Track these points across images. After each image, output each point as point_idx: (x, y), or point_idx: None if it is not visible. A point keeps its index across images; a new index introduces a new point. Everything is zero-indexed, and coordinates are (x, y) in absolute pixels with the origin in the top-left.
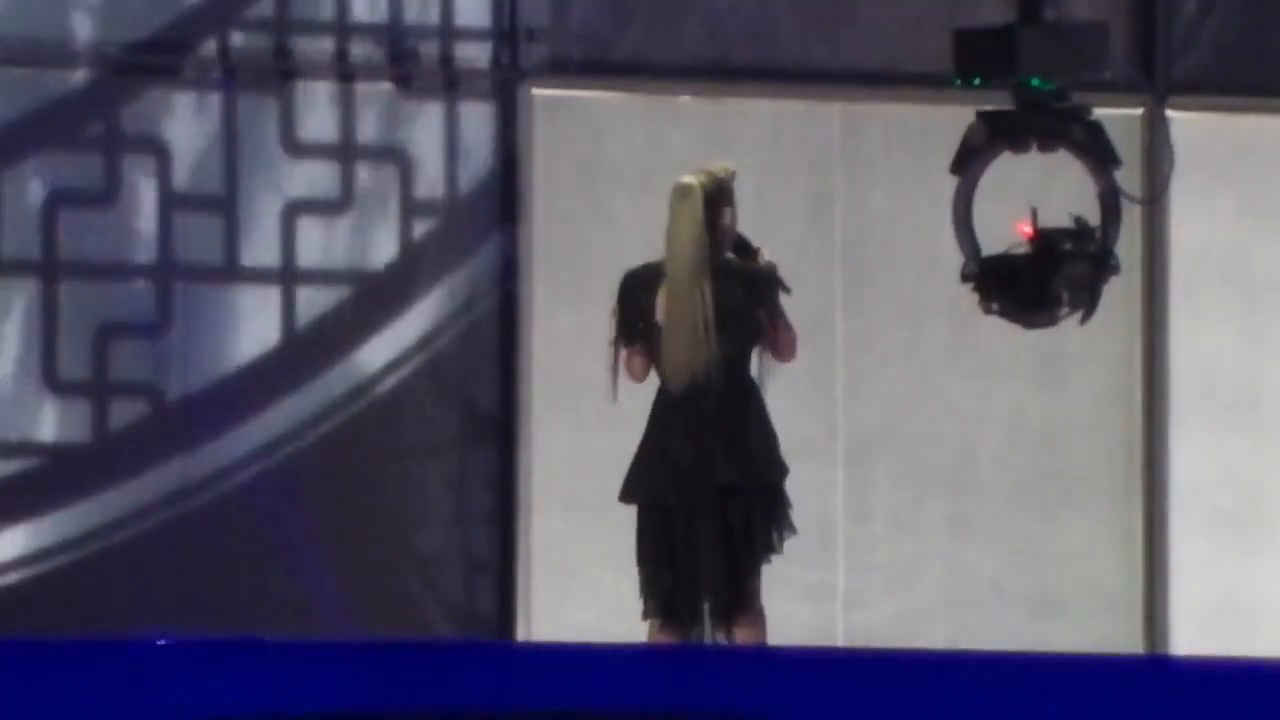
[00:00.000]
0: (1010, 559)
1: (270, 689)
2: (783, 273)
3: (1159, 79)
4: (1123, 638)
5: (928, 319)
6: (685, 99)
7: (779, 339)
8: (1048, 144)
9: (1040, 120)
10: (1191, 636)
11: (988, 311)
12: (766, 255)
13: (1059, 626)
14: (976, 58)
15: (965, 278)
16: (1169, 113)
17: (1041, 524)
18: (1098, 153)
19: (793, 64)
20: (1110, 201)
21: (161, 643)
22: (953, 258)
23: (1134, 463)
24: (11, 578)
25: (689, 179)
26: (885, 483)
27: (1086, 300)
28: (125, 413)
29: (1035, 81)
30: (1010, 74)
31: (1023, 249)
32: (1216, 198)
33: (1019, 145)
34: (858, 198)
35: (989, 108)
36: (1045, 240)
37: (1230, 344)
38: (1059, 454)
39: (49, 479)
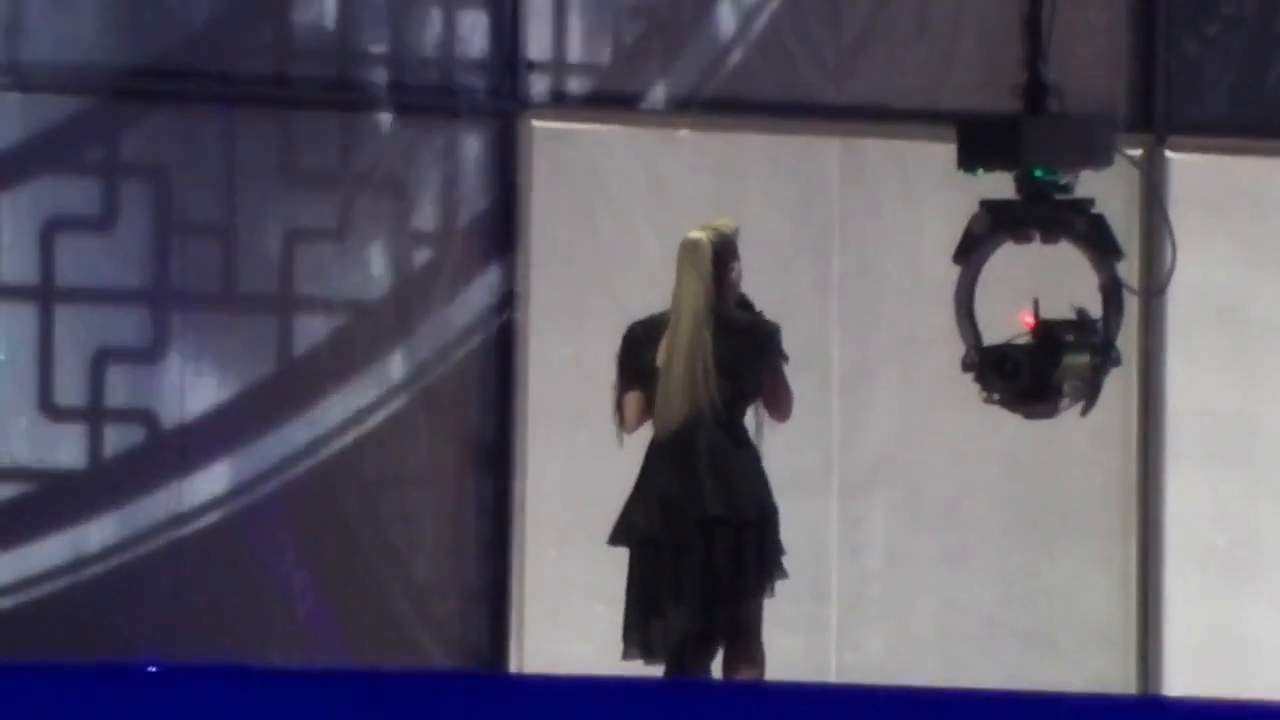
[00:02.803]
0: (1004, 595)
1: (263, 717)
2: (781, 312)
3: (1158, 120)
4: (1116, 675)
5: (924, 353)
6: (684, 132)
7: (777, 396)
8: (1050, 234)
9: (1043, 211)
10: (1185, 674)
11: (988, 401)
12: (768, 319)
13: (1053, 663)
14: (981, 147)
15: (966, 367)
16: (1168, 153)
17: (1036, 560)
18: (1100, 245)
19: (792, 98)
20: (1112, 293)
21: (155, 669)
22: (948, 293)
23: (1129, 500)
24: (6, 602)
25: (697, 234)
26: (880, 517)
27: (1087, 392)
28: (121, 438)
29: (1039, 172)
30: (1014, 165)
31: (1024, 339)
32: (1214, 238)
33: (1022, 235)
34: (855, 232)
35: (992, 197)
36: (1046, 331)
37: (1226, 383)
38: (1054, 490)
39: (44, 503)
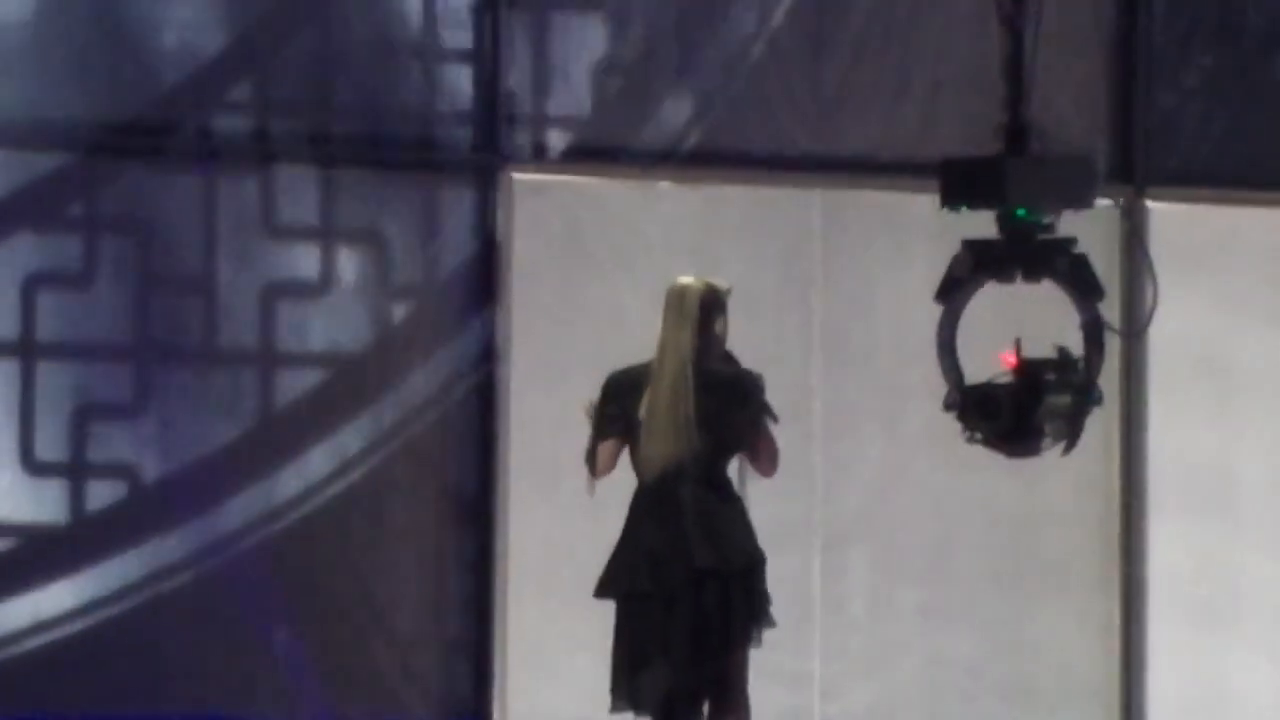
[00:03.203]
0: (987, 647)
1: None
2: (762, 364)
3: (1138, 170)
4: None
5: (906, 404)
6: (665, 184)
7: (760, 449)
8: (1032, 274)
9: (1025, 251)
10: None
11: (970, 441)
12: (751, 371)
13: (1035, 715)
14: (963, 187)
15: (948, 407)
16: (1148, 204)
17: (1018, 612)
18: (1082, 284)
19: (772, 150)
20: (1094, 333)
21: None
22: (930, 346)
23: (1111, 552)
24: None
25: (686, 280)
26: (862, 568)
27: (1068, 432)
28: (102, 494)
29: (1021, 212)
30: (996, 204)
31: (1006, 378)
32: (1194, 288)
33: (1004, 275)
34: (837, 283)
35: (975, 237)
36: (1028, 371)
37: (1207, 435)
38: (1036, 542)
39: (25, 559)
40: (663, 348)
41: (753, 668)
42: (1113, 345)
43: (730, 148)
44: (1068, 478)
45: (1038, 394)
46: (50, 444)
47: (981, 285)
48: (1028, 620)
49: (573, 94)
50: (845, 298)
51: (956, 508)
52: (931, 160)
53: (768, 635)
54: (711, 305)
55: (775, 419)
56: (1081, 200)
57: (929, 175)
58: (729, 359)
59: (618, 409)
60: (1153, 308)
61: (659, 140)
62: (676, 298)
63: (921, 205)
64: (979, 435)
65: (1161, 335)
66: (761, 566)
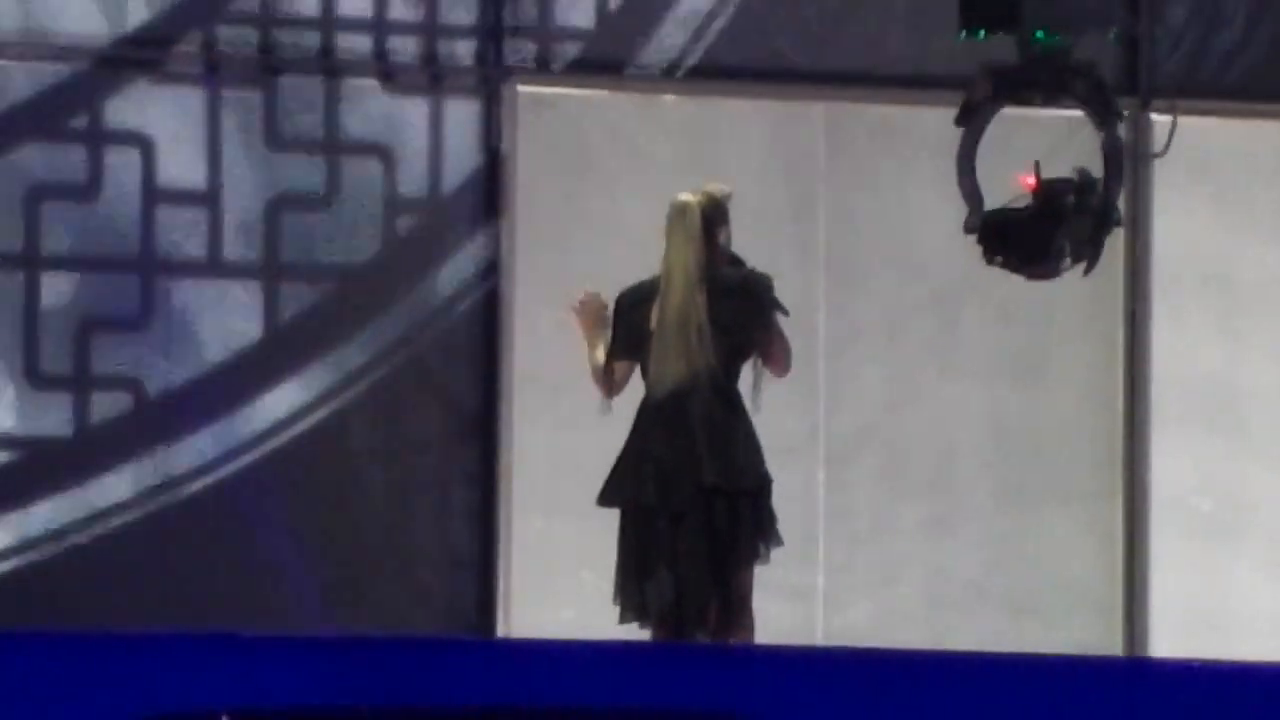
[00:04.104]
0: (990, 560)
1: (249, 684)
2: (765, 272)
3: (1143, 83)
4: (1102, 639)
5: (910, 320)
6: (669, 98)
7: (773, 349)
8: (1051, 98)
9: (1044, 74)
10: (1171, 639)
11: (990, 263)
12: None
13: (1038, 628)
14: (981, 11)
15: (968, 230)
16: (1153, 116)
17: (1022, 526)
18: (1100, 106)
19: (777, 65)
20: (1113, 154)
21: (140, 636)
22: (936, 260)
23: (1114, 465)
24: None
25: (686, 198)
26: (866, 483)
27: (1089, 253)
28: (106, 406)
29: (1040, 35)
30: (1016, 27)
31: (1025, 201)
32: (1200, 201)
33: (1022, 99)
34: (841, 199)
35: (992, 61)
36: (1047, 193)
37: (1211, 348)
38: (1039, 456)
39: (29, 472)
40: (669, 265)
41: (757, 582)
42: (1115, 260)
43: (734, 62)
44: (1072, 391)
45: (1057, 216)
46: (54, 356)
47: (1000, 109)
48: (1031, 534)
49: (577, 7)
50: (848, 212)
51: (960, 422)
52: (933, 75)
53: (774, 549)
54: (713, 217)
55: (785, 313)
56: (1100, 22)
57: (931, 89)
58: (736, 262)
59: (629, 328)
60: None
61: (663, 54)
62: (678, 215)
63: (924, 119)
64: (999, 258)
65: (1166, 248)
66: (769, 485)
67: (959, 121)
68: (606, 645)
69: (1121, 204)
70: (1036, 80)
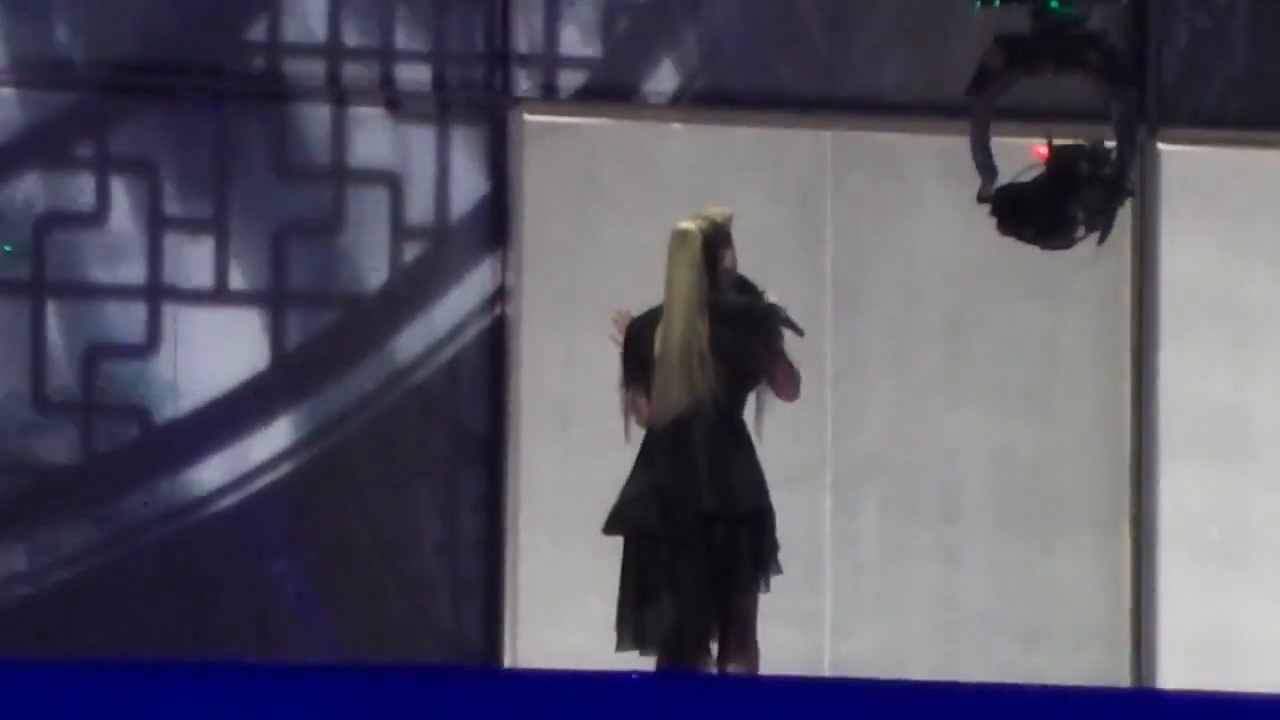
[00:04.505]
0: (997, 589)
1: (255, 713)
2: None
3: (1152, 111)
4: (1110, 668)
5: (917, 346)
6: (676, 125)
7: (779, 376)
8: (1064, 68)
9: (1057, 44)
10: (1179, 668)
11: (1004, 234)
12: (772, 297)
13: (1046, 657)
14: None
15: (982, 199)
16: (1160, 145)
17: (1029, 554)
18: (1114, 76)
19: (784, 91)
20: (1126, 123)
21: (146, 664)
22: (942, 286)
23: (1122, 493)
24: None
25: (687, 224)
26: (873, 511)
27: (1102, 223)
28: (113, 433)
29: (1054, 5)
30: None
31: (1037, 170)
32: (1207, 230)
33: (1035, 69)
34: (848, 224)
35: (1006, 32)
36: (1059, 161)
37: (1219, 375)
38: (1047, 484)
39: (36, 499)
40: (670, 293)
41: (764, 608)
42: (1123, 289)
43: (740, 89)
44: (1080, 418)
45: (1070, 186)
46: (62, 383)
47: (1014, 80)
48: (1039, 562)
49: (584, 34)
50: (856, 238)
51: (968, 449)
52: (941, 102)
53: (779, 576)
54: (715, 241)
55: (800, 332)
56: None
57: (939, 116)
58: (744, 284)
59: (638, 356)
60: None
61: (669, 81)
62: (679, 242)
63: (930, 146)
64: (1012, 230)
65: (1174, 276)
66: (770, 514)
67: (970, 92)
68: (613, 676)
69: (1128, 230)
70: (1050, 50)
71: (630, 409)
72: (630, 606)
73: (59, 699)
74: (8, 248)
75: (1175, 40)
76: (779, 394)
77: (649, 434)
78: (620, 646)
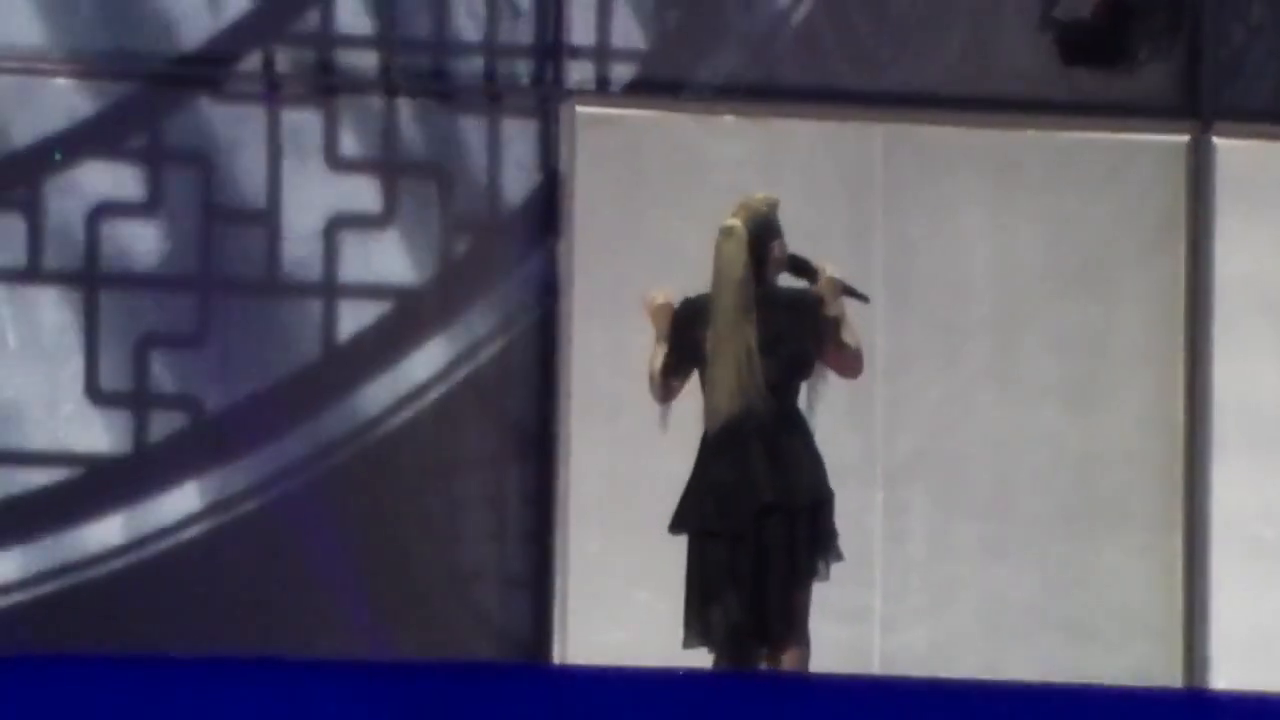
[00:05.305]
0: (1048, 585)
1: (302, 709)
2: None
3: (1205, 106)
4: (1161, 667)
5: (968, 342)
6: (728, 118)
7: (833, 359)
8: None
9: None
10: (1231, 667)
11: (1067, 65)
12: (830, 270)
13: (1096, 654)
14: None
15: (1043, 26)
16: (1214, 140)
17: (1080, 550)
18: None
19: (836, 85)
20: None
21: (193, 660)
22: (994, 282)
23: (1174, 491)
24: (49, 587)
25: (733, 221)
26: (923, 506)
27: (1165, 46)
28: (165, 424)
29: None
30: None
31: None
32: (1261, 225)
33: None
34: (899, 220)
35: None
36: None
37: (1273, 372)
38: (1098, 480)
39: (88, 489)
40: (717, 291)
41: (814, 603)
42: (1176, 284)
43: (791, 82)
44: (1131, 415)
45: (1130, 11)
46: (114, 374)
47: None
48: (1089, 559)
49: (635, 27)
50: (906, 234)
51: (1018, 445)
52: (991, 96)
53: (833, 568)
54: (762, 235)
55: (865, 298)
56: None
57: (990, 111)
58: (799, 263)
59: (688, 344)
60: None
61: (721, 74)
62: (725, 239)
63: (982, 141)
64: (1074, 59)
65: (1227, 272)
66: (830, 501)
67: None
68: (662, 673)
69: (1182, 226)
70: None
71: (659, 386)
72: (695, 604)
73: (103, 694)
74: (58, 155)
75: (1230, 35)
76: (840, 374)
77: (704, 437)
78: (686, 643)
